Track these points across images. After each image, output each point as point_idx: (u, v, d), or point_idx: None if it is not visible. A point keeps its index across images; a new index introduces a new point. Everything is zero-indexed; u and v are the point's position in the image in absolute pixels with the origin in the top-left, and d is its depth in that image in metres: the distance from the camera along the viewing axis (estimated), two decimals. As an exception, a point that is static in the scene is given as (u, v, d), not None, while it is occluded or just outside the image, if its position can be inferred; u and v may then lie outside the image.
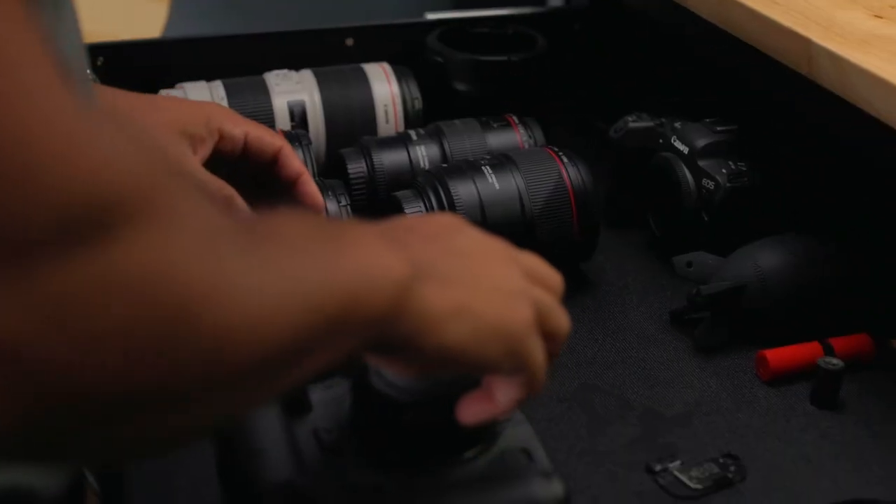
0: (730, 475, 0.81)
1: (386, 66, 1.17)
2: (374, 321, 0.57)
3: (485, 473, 0.71)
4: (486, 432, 0.73)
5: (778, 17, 0.93)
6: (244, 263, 0.49)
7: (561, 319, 0.69)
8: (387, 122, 1.15)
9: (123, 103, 0.91)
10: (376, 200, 1.05)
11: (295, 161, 0.96)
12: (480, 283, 0.64)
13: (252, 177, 0.96)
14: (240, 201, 0.89)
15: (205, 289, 0.46)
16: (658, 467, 0.82)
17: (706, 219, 1.01)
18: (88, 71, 0.90)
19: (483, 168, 0.99)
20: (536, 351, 0.66)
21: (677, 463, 0.83)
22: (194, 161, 0.92)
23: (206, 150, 0.94)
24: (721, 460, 0.83)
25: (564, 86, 1.24)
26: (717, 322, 0.95)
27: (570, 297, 1.00)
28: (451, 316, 0.62)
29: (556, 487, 0.70)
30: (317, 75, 1.16)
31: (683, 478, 0.81)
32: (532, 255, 0.70)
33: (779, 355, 0.91)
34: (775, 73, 0.94)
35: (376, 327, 0.58)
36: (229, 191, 0.90)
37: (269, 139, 0.96)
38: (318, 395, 0.74)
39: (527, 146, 1.08)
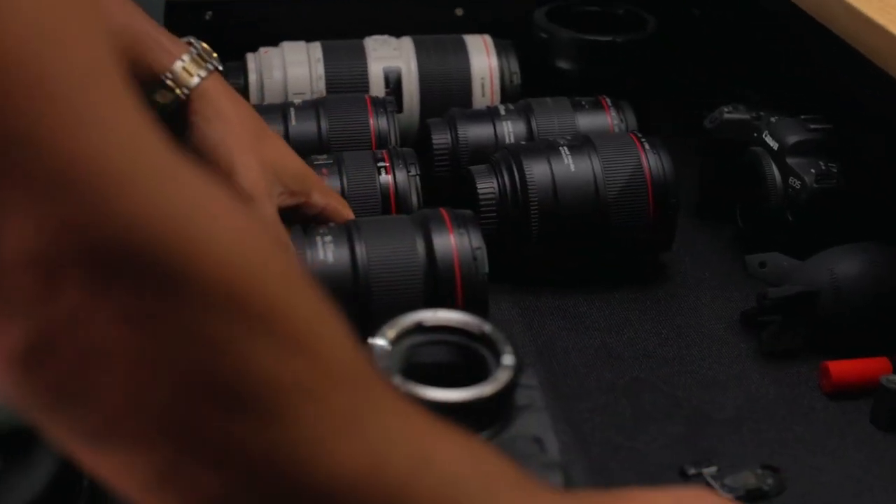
0: (766, 487, 0.78)
1: (487, 38, 1.15)
2: None
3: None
4: (500, 415, 0.71)
5: (874, 14, 0.88)
6: None
7: None
8: (483, 95, 1.13)
9: (235, 123, 0.90)
10: (458, 173, 1.03)
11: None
12: None
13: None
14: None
15: None
16: (692, 471, 0.79)
17: (790, 218, 0.97)
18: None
19: (561, 149, 0.97)
20: None
21: (713, 469, 0.79)
22: (274, 206, 0.89)
23: (289, 202, 0.90)
24: (759, 471, 0.79)
25: (667, 71, 1.20)
26: (786, 328, 0.90)
27: (642, 287, 0.98)
28: None
29: (553, 479, 0.67)
30: (416, 43, 1.14)
31: (715, 485, 0.78)
32: None
33: (842, 368, 0.87)
34: (872, 74, 0.89)
35: None
36: (287, 239, 0.87)
37: (342, 213, 0.91)
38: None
39: (617, 130, 1.05)
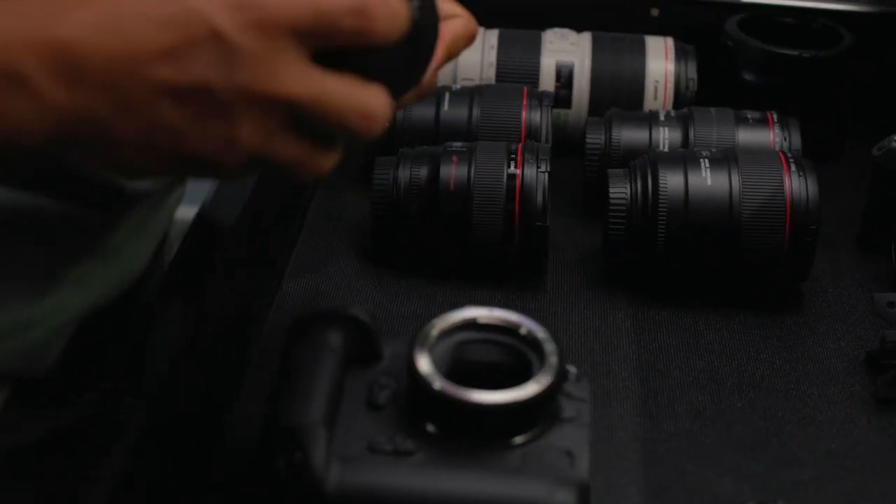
0: (827, 538, 0.73)
1: (670, 41, 1.12)
2: None
3: (510, 464, 0.68)
4: (534, 423, 0.69)
5: None
6: None
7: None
8: (655, 99, 1.11)
9: None
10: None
11: None
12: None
13: None
14: None
15: None
16: (753, 510, 0.76)
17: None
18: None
19: (701, 160, 0.93)
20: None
21: (777, 510, 0.75)
22: None
23: None
24: (828, 521, 0.75)
25: (851, 93, 1.14)
26: (906, 375, 0.85)
27: (769, 314, 0.94)
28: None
29: (563, 497, 0.65)
30: (594, 39, 1.13)
31: (772, 527, 0.74)
32: None
33: (952, 426, 0.81)
34: None
35: None
36: None
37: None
38: (394, 348, 0.73)
39: (778, 148, 1.00)
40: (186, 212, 0.91)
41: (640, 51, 1.12)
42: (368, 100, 0.59)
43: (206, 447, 0.76)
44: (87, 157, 0.54)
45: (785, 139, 1.01)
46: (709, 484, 0.78)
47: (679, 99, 1.11)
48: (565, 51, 1.12)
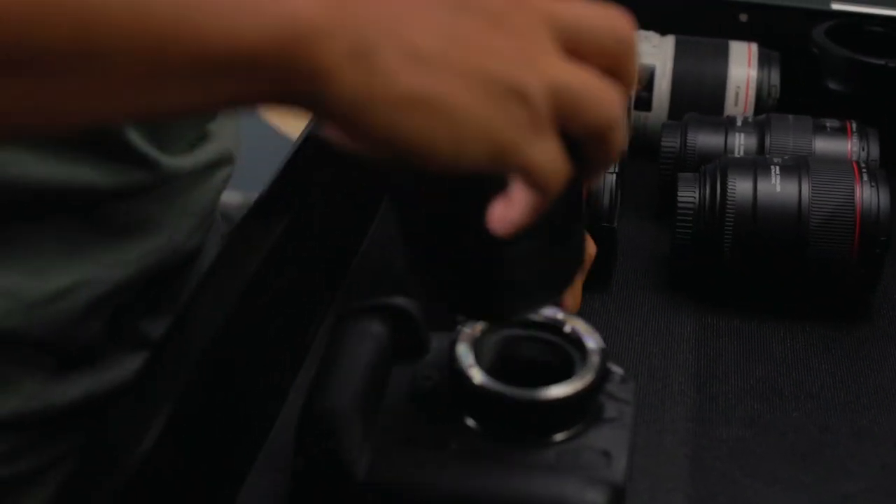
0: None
1: (754, 47, 1.11)
2: (237, 70, 0.49)
3: (545, 461, 0.68)
4: (573, 422, 0.70)
5: None
6: None
7: (598, 111, 0.54)
8: (735, 104, 1.10)
9: None
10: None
11: None
12: (468, 60, 0.52)
13: None
14: None
15: None
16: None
17: None
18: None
19: (772, 167, 0.92)
20: (540, 156, 0.54)
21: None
22: None
23: None
24: (871, 536, 0.73)
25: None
26: (970, 393, 0.83)
27: (836, 326, 0.92)
28: (400, 102, 0.51)
29: (594, 497, 0.65)
30: (678, 43, 1.12)
31: (813, 540, 0.73)
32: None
33: None
34: None
35: (253, 81, 0.49)
36: None
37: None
38: (441, 342, 0.74)
39: (855, 158, 0.99)
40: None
41: (723, 56, 1.11)
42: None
43: (253, 426, 0.78)
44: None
45: (863, 149, 0.99)
46: (756, 493, 0.77)
47: (760, 105, 1.09)
48: (648, 53, 1.11)
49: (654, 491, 0.77)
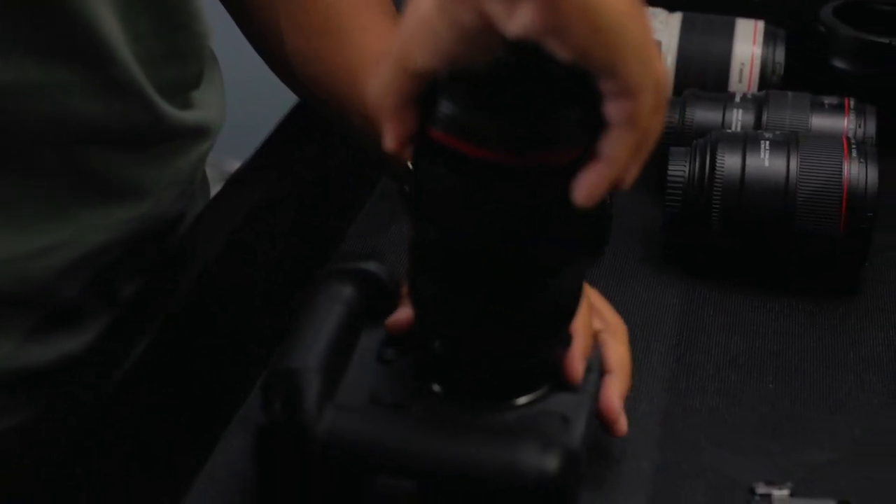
0: (832, 522, 0.73)
1: (760, 24, 1.12)
2: None
3: (503, 425, 0.69)
4: (534, 387, 0.71)
5: None
6: None
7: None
8: (740, 81, 1.10)
9: None
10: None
11: None
12: None
13: None
14: None
15: None
16: (761, 489, 0.75)
17: None
18: None
19: (762, 142, 0.93)
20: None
21: (785, 492, 0.75)
22: None
23: None
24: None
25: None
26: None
27: (819, 301, 0.93)
28: None
29: (547, 461, 0.66)
30: (684, 20, 1.13)
31: (778, 507, 0.74)
32: None
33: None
34: None
35: None
36: None
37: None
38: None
39: (851, 135, 0.99)
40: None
41: (729, 33, 1.11)
42: None
43: (231, 386, 0.80)
44: None
45: (859, 126, 1.00)
46: (721, 462, 0.78)
47: (765, 82, 1.10)
48: (654, 29, 1.12)
49: (622, 457, 0.78)
